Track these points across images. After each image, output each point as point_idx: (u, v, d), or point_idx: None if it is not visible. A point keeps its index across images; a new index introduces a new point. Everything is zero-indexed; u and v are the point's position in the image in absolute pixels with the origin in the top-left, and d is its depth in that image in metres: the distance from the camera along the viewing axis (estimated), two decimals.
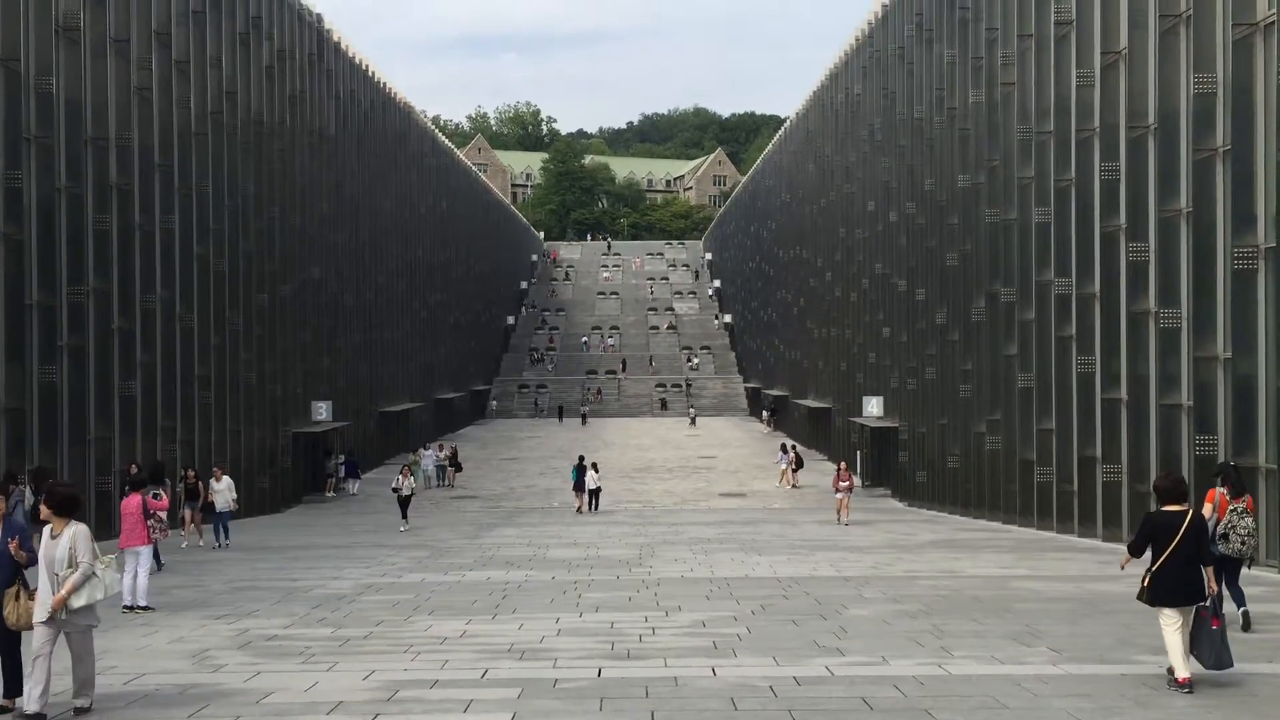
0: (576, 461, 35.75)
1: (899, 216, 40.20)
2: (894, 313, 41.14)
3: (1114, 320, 22.93)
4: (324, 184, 44.75)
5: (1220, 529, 11.90)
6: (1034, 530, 26.08)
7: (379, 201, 54.13)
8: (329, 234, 45.30)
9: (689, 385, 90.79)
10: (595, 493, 35.03)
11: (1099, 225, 23.49)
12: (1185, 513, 9.72)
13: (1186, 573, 9.53)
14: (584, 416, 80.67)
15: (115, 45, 27.36)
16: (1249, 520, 12.00)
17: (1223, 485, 12.29)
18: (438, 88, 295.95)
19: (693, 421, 77.73)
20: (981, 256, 31.17)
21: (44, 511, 9.08)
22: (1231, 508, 12.00)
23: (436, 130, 78.00)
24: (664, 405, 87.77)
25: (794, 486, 42.43)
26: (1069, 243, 25.07)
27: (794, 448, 46.57)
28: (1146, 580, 9.64)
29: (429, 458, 42.80)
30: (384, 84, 56.02)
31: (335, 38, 47.12)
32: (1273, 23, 17.35)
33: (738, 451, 58.96)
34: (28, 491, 20.75)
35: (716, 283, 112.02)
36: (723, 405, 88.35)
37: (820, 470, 49.61)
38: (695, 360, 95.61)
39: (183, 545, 23.79)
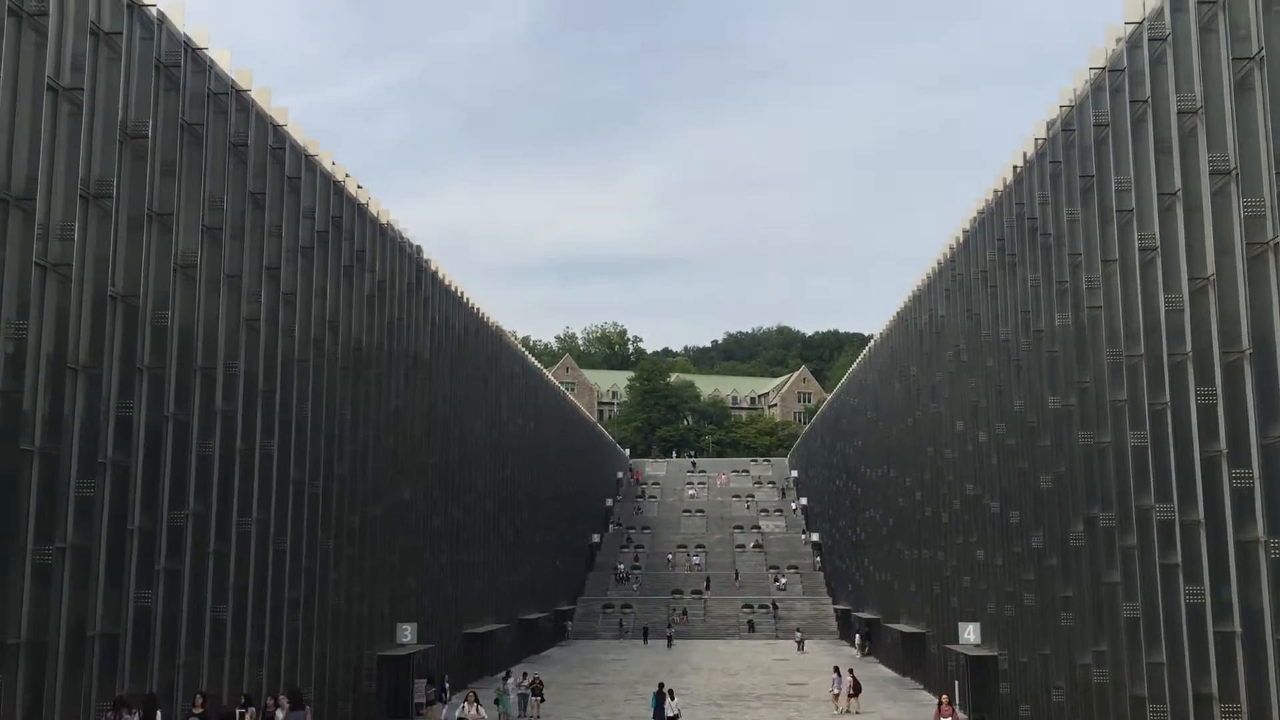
0: (656, 689, 36.66)
1: (988, 437, 39.77)
2: (987, 535, 40.15)
3: (1221, 548, 22.08)
4: (417, 407, 45.89)
5: None
6: None
7: (469, 423, 55.20)
8: (420, 455, 46.12)
9: (776, 606, 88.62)
10: (674, 719, 35.66)
11: (1199, 450, 22.95)
12: None
13: None
14: (669, 638, 78.88)
15: (228, 280, 28.92)
16: None
17: None
18: (528, 311, 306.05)
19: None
20: (1077, 480, 30.52)
21: None
22: None
23: (526, 351, 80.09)
24: (751, 627, 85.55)
25: (853, 713, 41.76)
26: (1168, 467, 24.48)
27: (851, 671, 45.34)
28: None
29: (512, 686, 41.68)
30: (477, 308, 58.03)
31: (432, 266, 49.24)
32: None
33: (830, 678, 56.75)
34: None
35: (803, 500, 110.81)
36: (811, 627, 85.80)
37: (916, 701, 47.51)
38: (783, 580, 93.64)
39: None
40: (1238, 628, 21.46)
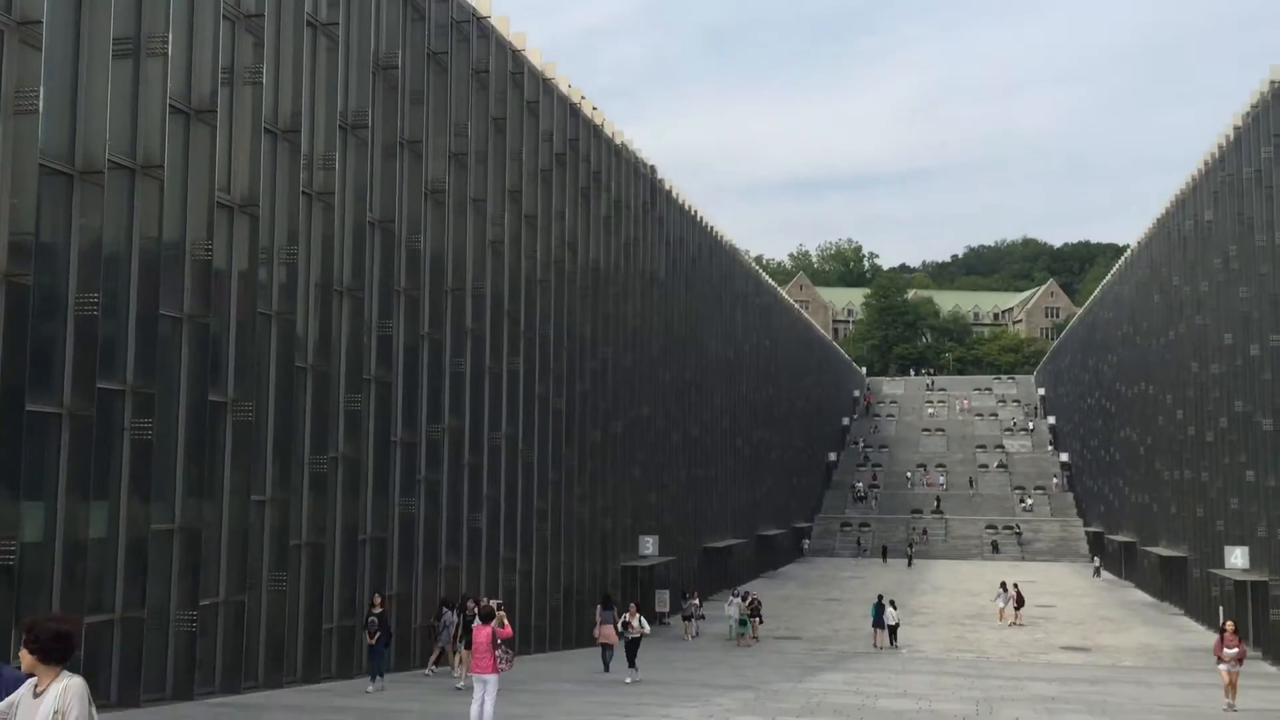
0: (876, 600, 38.68)
1: (1262, 350, 36.95)
2: (1259, 454, 37.49)
3: None
4: (654, 325, 46.59)
5: None
6: None
7: (705, 341, 55.66)
8: (658, 373, 46.92)
9: (1020, 529, 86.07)
10: (894, 629, 37.87)
11: None
12: None
13: None
14: (910, 558, 78.05)
15: (474, 204, 30.01)
16: None
17: None
18: (762, 229, 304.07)
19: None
20: None
21: (25, 659, 6.26)
22: None
23: (760, 270, 79.78)
24: (995, 548, 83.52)
25: (1015, 624, 43.95)
26: None
27: (1015, 585, 46.93)
28: None
29: (734, 606, 41.01)
30: (711, 227, 58.10)
31: (666, 186, 49.54)
32: None
33: (1080, 601, 55.00)
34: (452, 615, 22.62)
35: (1051, 419, 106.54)
36: (1060, 550, 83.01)
37: (1175, 626, 45.37)
38: (1029, 501, 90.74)
39: (458, 685, 21.53)
40: None
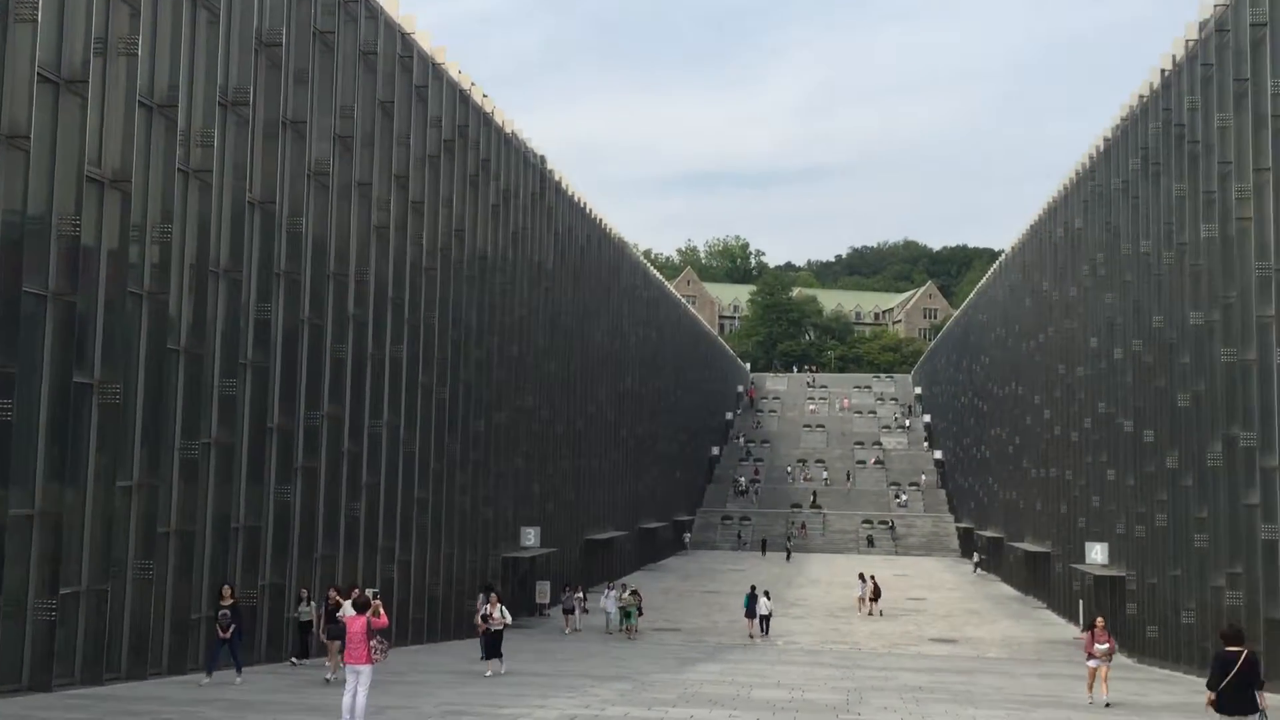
0: (749, 590, 39.76)
1: (1124, 354, 38.52)
2: (1119, 454, 39.10)
3: None
4: (541, 316, 46.47)
5: None
6: None
7: (591, 333, 55.71)
8: (544, 364, 46.82)
9: (894, 524, 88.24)
10: (766, 618, 38.82)
11: None
12: (1241, 652, 13.74)
13: (1242, 694, 13.57)
14: (788, 551, 79.36)
15: (359, 188, 29.50)
16: None
17: None
18: (651, 223, 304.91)
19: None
20: (1217, 398, 29.42)
21: None
22: None
23: (648, 264, 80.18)
24: (870, 542, 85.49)
25: (871, 614, 45.52)
26: None
27: (872, 577, 48.53)
28: (1214, 698, 13.65)
29: (611, 598, 39.95)
30: (600, 220, 58.16)
31: (556, 177, 49.42)
32: None
33: (949, 595, 56.62)
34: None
35: (926, 417, 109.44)
36: (932, 545, 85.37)
37: (1038, 619, 47.03)
38: (904, 497, 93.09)
39: (327, 677, 20.96)
40: None
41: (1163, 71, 34.77)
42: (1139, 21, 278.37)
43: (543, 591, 42.69)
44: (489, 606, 24.21)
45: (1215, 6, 29.99)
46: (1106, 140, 41.79)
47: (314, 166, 27.05)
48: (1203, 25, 31.13)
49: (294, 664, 23.69)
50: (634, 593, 39.25)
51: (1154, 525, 34.73)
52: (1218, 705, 13.77)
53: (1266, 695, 19.53)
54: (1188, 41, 32.28)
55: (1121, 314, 39.23)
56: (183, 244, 21.88)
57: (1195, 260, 31.33)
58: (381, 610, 17.55)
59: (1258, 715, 13.68)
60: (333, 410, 27.80)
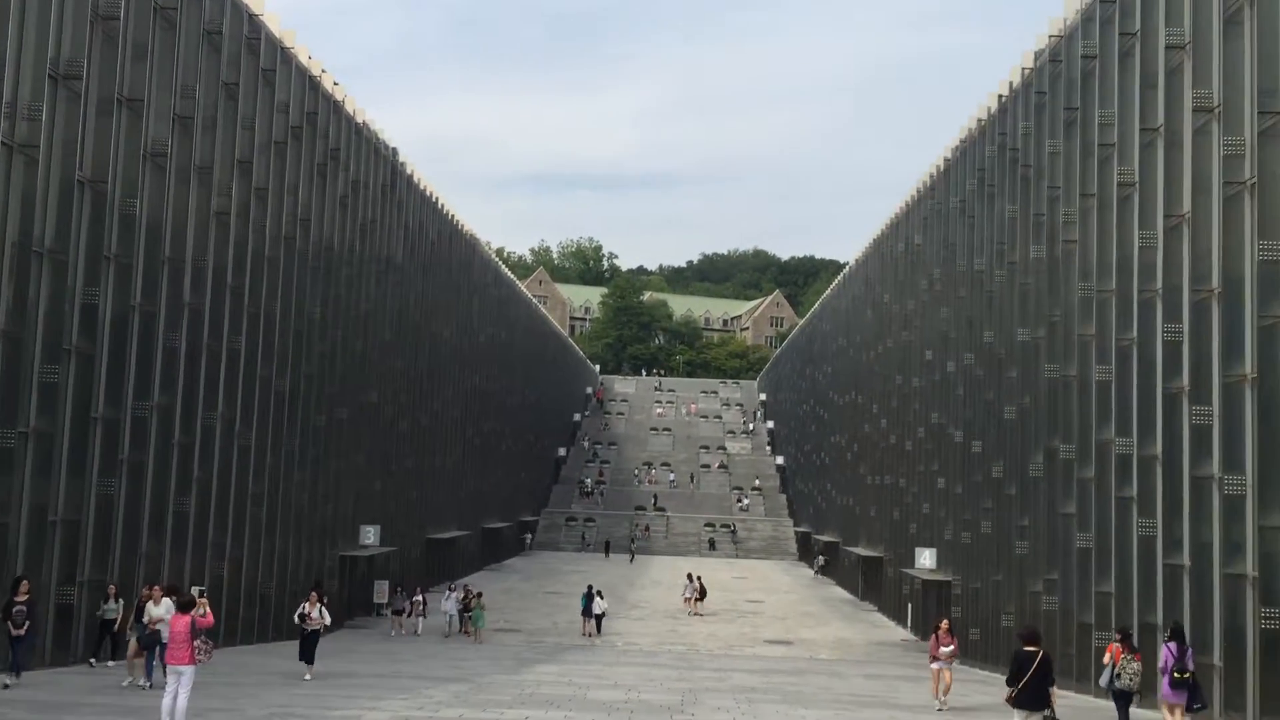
0: (586, 590, 40.11)
1: (957, 367, 40.05)
2: (949, 463, 40.64)
3: (1176, 484, 22.46)
4: (388, 310, 45.66)
5: (1116, 670, 17.91)
6: (1090, 698, 25.15)
7: (440, 329, 55.04)
8: (389, 359, 46.01)
9: (734, 528, 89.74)
10: (599, 617, 39.50)
11: (1161, 386, 23.22)
12: (1037, 652, 15.25)
13: (1037, 690, 15.04)
14: (631, 553, 79.86)
15: (199, 171, 28.46)
16: (1135, 665, 17.90)
17: (1121, 642, 18.18)
18: (505, 222, 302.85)
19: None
20: (1040, 412, 30.85)
21: None
22: (1125, 657, 17.92)
23: (500, 262, 79.68)
24: (712, 545, 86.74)
25: (695, 614, 46.69)
26: (1130, 402, 24.76)
27: (699, 577, 49.92)
28: (1012, 694, 15.14)
29: (451, 601, 39.08)
30: (452, 215, 57.51)
31: (408, 170, 48.66)
32: None
33: (785, 597, 57.87)
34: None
35: (770, 424, 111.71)
36: (772, 548, 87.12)
37: (869, 622, 48.46)
38: (745, 501, 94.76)
39: (123, 684, 19.86)
40: (1186, 561, 21.92)
41: (1000, 97, 36.29)
42: (969, 48, 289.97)
43: (381, 591, 41.92)
44: (307, 605, 23.13)
45: (1050, 38, 31.46)
46: (946, 161, 43.39)
47: (151, 147, 25.97)
48: (1038, 55, 32.62)
49: (91, 665, 22.63)
50: (478, 595, 38.80)
51: (979, 532, 36.20)
52: (1015, 701, 15.10)
53: (1070, 693, 20.84)
54: (1023, 70, 33.77)
55: (955, 328, 40.78)
56: (4, 221, 20.73)
57: (1024, 279, 32.79)
58: (208, 609, 16.98)
59: (1048, 710, 15.05)
60: (163, 401, 26.74)
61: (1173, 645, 17.39)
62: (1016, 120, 34.18)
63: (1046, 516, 29.87)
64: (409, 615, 38.70)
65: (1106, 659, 18.43)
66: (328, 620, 23.68)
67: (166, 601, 19.56)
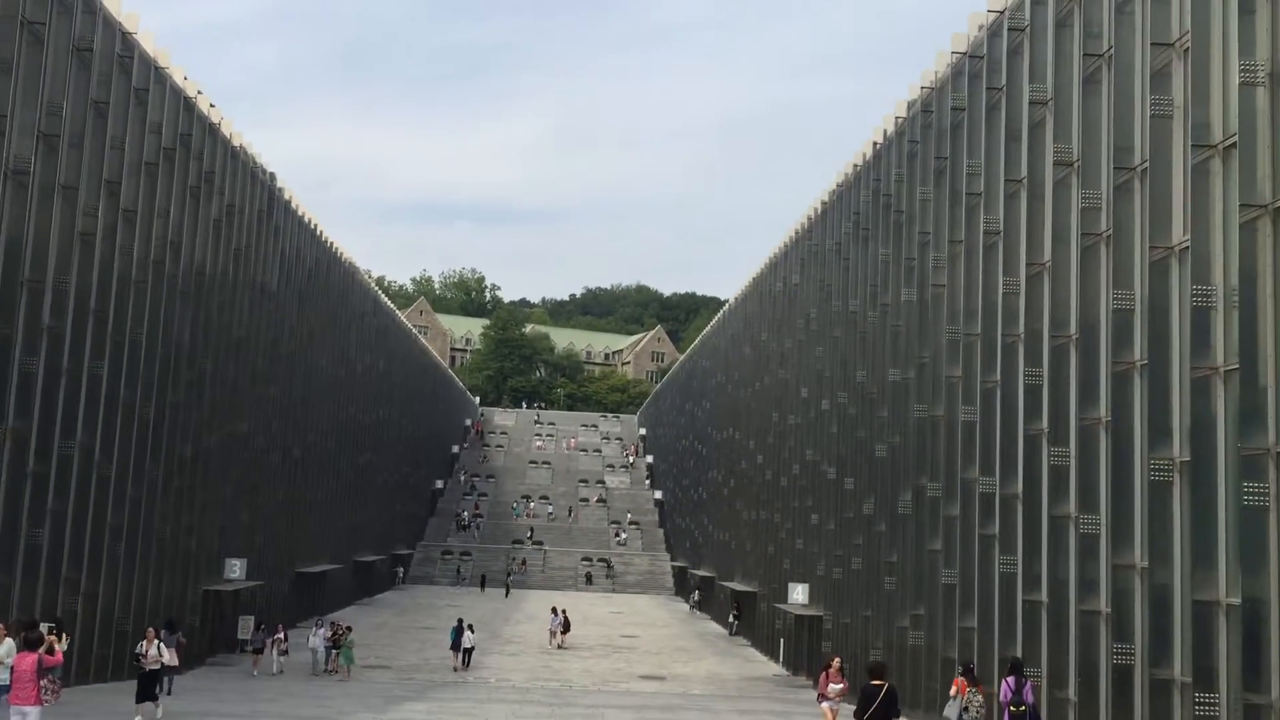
0: (455, 623, 40.21)
1: (831, 405, 40.83)
2: (823, 500, 41.33)
3: (1035, 522, 23.22)
4: (261, 338, 44.61)
5: (964, 704, 19.08)
6: None
7: (316, 359, 53.97)
8: (261, 388, 44.90)
9: (610, 563, 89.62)
10: (469, 651, 39.57)
11: (1022, 428, 24.03)
12: (883, 686, 16.41)
13: None
14: (507, 587, 79.08)
15: (64, 191, 27.50)
16: (980, 698, 19.35)
17: (965, 676, 19.62)
18: (387, 250, 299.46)
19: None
20: (909, 450, 31.63)
21: None
22: (970, 690, 19.27)
23: (380, 291, 78.63)
24: (589, 579, 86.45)
25: (560, 647, 47.12)
26: (993, 443, 25.56)
27: (564, 611, 50.25)
28: None
29: (319, 637, 37.90)
30: (331, 243, 56.60)
31: (286, 196, 47.77)
32: (1186, 247, 18.28)
33: (661, 632, 57.95)
34: None
35: (649, 458, 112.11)
36: (648, 583, 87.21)
37: (743, 657, 48.81)
38: (623, 535, 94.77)
39: None
40: (1044, 597, 22.63)
41: (874, 144, 37.35)
42: (849, 95, 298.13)
43: (245, 626, 40.63)
44: (145, 643, 22.11)
45: (922, 89, 32.56)
46: (823, 203, 44.41)
47: (13, 164, 25.02)
48: (910, 105, 33.70)
49: None
50: (347, 629, 37.86)
51: (850, 568, 36.84)
52: None
53: None
54: (896, 118, 34.86)
55: (830, 367, 41.61)
56: None
57: (896, 321, 33.67)
58: (57, 646, 16.29)
59: None
60: (17, 427, 25.62)
61: (1011, 680, 18.23)
62: (890, 167, 35.20)
63: (914, 553, 30.56)
64: (267, 653, 37.47)
65: (953, 691, 19.52)
66: (167, 658, 22.75)
67: (9, 641, 18.37)
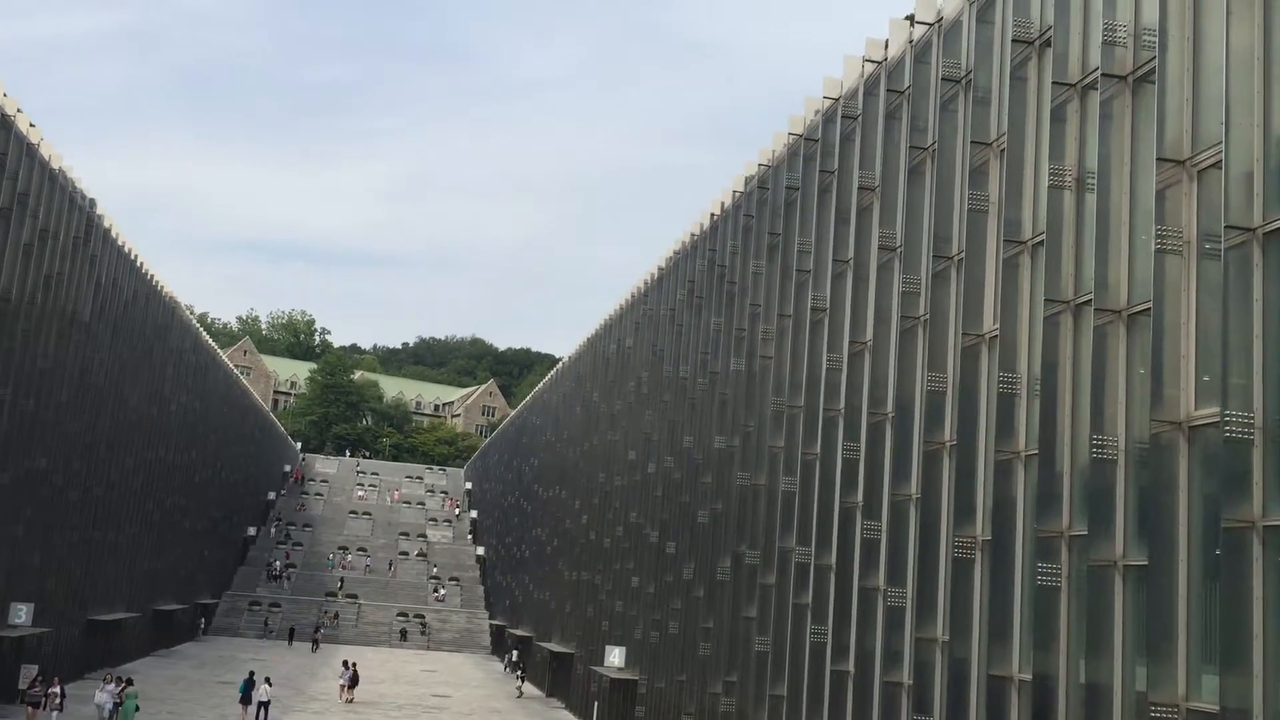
0: (247, 675, 39.93)
1: (657, 469, 41.14)
2: (644, 563, 41.44)
3: (846, 593, 23.80)
4: (68, 370, 42.36)
5: None
6: None
7: (127, 394, 51.50)
8: (64, 422, 42.54)
9: (424, 620, 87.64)
10: (265, 705, 38.54)
11: (839, 500, 24.69)
12: None
13: None
14: (316, 641, 76.30)
15: None
16: None
17: None
18: (213, 287, 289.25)
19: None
20: (730, 517, 32.07)
21: None
22: None
23: (201, 328, 75.81)
24: (404, 635, 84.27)
25: (350, 702, 46.46)
26: (811, 513, 26.16)
27: (354, 664, 49.21)
28: None
29: (106, 693, 35.89)
30: (151, 275, 54.41)
31: (106, 224, 45.78)
32: (996, 335, 19.23)
33: (475, 692, 56.81)
34: None
35: (473, 513, 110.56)
36: (465, 641, 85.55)
37: (554, 719, 48.20)
38: (443, 591, 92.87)
39: None
40: (851, 667, 23.15)
41: (712, 215, 38.21)
42: (697, 166, 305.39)
43: (25, 676, 38.00)
44: None
45: (759, 165, 33.56)
46: (660, 269, 45.09)
47: None
48: (748, 180, 34.67)
49: None
50: (128, 682, 35.68)
51: (668, 632, 36.96)
52: None
53: None
54: (734, 192, 35.79)
55: (658, 431, 41.99)
56: None
57: (724, 389, 34.28)
58: None
59: None
60: None
61: None
62: (726, 238, 36.04)
63: (730, 619, 30.88)
64: (44, 708, 35.03)
65: None
66: None
67: None
